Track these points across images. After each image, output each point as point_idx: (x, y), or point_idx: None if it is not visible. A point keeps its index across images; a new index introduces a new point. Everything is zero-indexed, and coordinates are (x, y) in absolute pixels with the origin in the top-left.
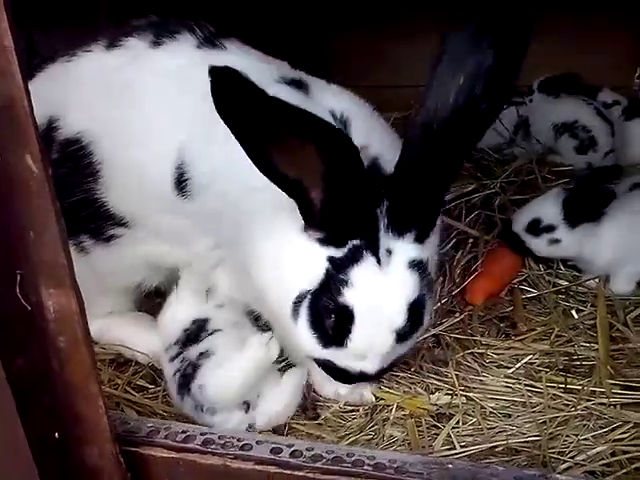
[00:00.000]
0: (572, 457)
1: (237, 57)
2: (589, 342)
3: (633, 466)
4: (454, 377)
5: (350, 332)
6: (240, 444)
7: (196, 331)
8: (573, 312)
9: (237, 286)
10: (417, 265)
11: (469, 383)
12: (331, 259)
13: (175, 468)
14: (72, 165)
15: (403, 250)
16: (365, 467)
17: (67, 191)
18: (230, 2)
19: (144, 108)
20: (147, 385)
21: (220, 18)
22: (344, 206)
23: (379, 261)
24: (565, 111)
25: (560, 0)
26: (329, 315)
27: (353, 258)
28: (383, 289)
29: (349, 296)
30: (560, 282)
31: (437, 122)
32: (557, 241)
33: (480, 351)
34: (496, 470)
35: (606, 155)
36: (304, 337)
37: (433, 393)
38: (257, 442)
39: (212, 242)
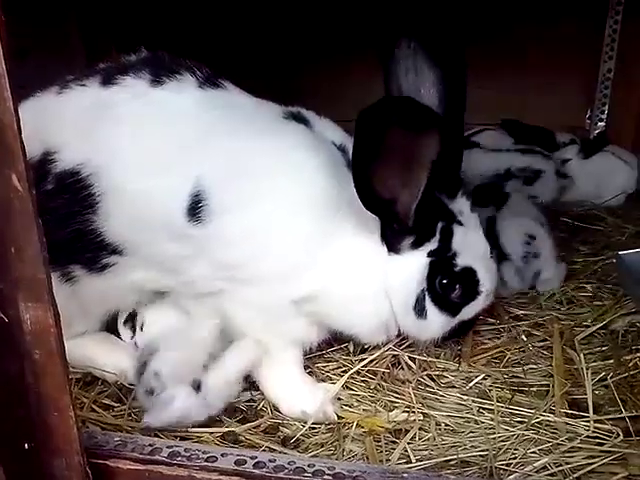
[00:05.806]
0: (519, 468)
1: (241, 96)
2: (537, 364)
3: (574, 475)
4: (412, 395)
5: (479, 282)
6: (205, 456)
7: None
8: (523, 337)
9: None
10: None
11: (426, 401)
12: (432, 252)
13: None
14: (69, 197)
15: (464, 205)
16: (325, 477)
17: (62, 223)
18: (194, 37)
19: (155, 142)
20: (113, 404)
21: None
22: (432, 201)
23: (461, 223)
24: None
25: (509, 41)
26: (452, 289)
27: (446, 237)
28: (474, 236)
29: (463, 260)
30: (514, 310)
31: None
32: None
33: (436, 373)
34: (448, 479)
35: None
36: (436, 323)
37: (392, 410)
38: (222, 454)
39: (211, 271)
